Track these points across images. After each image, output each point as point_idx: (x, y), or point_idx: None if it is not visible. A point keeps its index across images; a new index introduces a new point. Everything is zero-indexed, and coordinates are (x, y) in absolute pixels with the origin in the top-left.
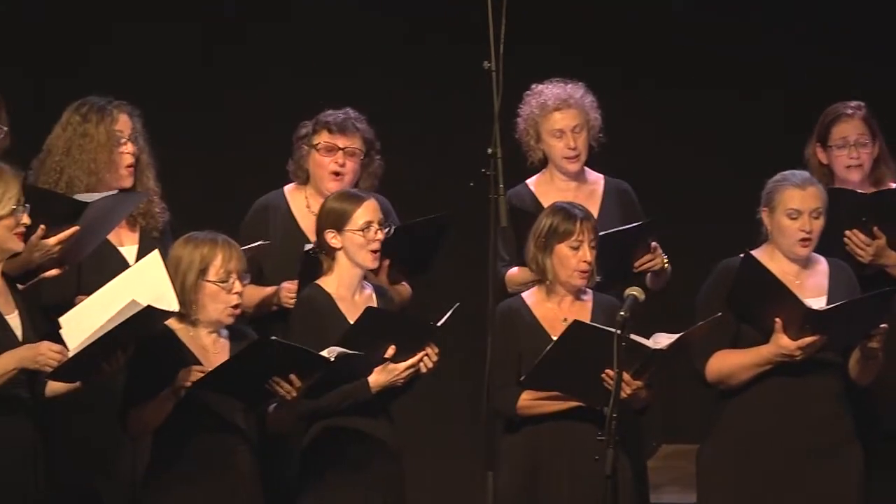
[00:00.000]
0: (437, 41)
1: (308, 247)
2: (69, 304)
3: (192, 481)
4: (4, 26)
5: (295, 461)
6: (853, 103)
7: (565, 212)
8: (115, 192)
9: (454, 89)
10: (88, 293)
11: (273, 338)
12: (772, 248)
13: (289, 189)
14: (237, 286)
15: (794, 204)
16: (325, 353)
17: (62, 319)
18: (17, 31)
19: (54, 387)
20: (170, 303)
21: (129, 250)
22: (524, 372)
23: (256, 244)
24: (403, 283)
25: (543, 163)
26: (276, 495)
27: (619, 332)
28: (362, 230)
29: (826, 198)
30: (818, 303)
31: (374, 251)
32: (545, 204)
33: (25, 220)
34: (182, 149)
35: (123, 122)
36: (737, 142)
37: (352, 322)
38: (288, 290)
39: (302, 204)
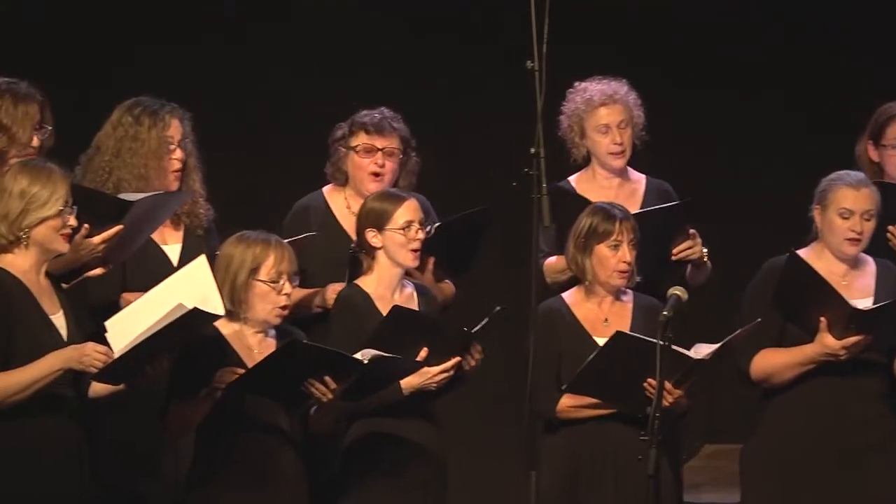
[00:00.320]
0: (479, 40)
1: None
2: (114, 303)
3: (235, 482)
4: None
5: (338, 461)
6: None
7: (605, 212)
8: (160, 192)
9: (495, 89)
10: (133, 291)
11: (303, 340)
12: (821, 246)
13: (327, 190)
14: (287, 287)
15: (847, 203)
16: (358, 355)
17: (108, 323)
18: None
19: (97, 388)
20: (215, 306)
21: (172, 249)
22: (564, 373)
23: (304, 235)
24: (447, 280)
25: (586, 160)
26: (320, 496)
27: (661, 342)
28: (403, 229)
29: (879, 200)
30: (864, 303)
31: (415, 250)
32: (589, 199)
33: (72, 221)
34: (216, 149)
35: (174, 128)
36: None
37: None
38: (334, 292)
39: (342, 205)
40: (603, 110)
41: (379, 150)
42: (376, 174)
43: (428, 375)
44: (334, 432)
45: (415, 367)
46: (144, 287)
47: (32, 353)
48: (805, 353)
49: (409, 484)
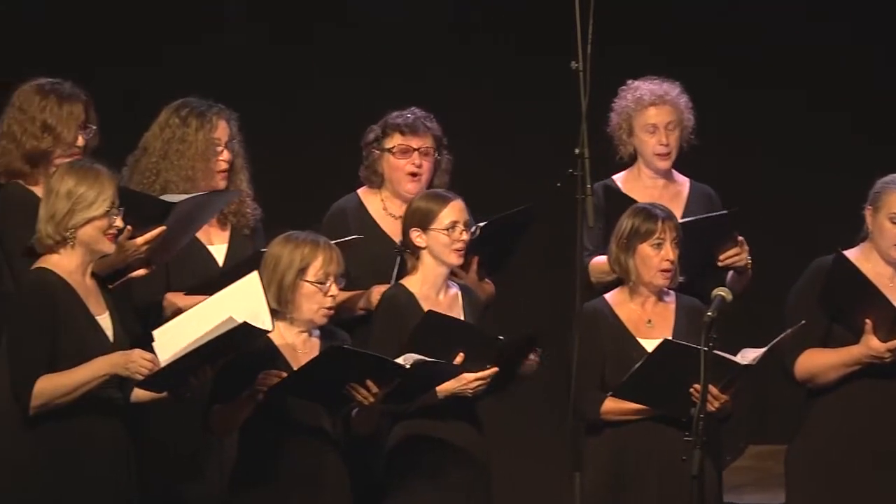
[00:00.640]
0: (524, 40)
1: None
2: (158, 304)
3: (278, 484)
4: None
5: (380, 463)
6: None
7: (646, 212)
8: (203, 193)
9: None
10: (177, 291)
11: (346, 345)
12: (869, 247)
13: (362, 192)
14: (334, 289)
15: None
16: (401, 359)
17: (156, 332)
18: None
19: (139, 394)
20: (264, 322)
21: (218, 249)
22: (608, 375)
23: (350, 238)
24: (487, 280)
25: (632, 158)
26: (362, 498)
27: (705, 343)
28: (447, 229)
29: None
30: None
31: (459, 250)
32: (634, 198)
33: (118, 222)
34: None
35: (222, 130)
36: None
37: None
38: (380, 293)
39: (379, 206)
40: (652, 110)
41: (415, 150)
42: (414, 174)
43: (464, 382)
44: (376, 434)
45: (457, 372)
46: (188, 287)
47: (78, 355)
48: (850, 355)
49: (452, 486)
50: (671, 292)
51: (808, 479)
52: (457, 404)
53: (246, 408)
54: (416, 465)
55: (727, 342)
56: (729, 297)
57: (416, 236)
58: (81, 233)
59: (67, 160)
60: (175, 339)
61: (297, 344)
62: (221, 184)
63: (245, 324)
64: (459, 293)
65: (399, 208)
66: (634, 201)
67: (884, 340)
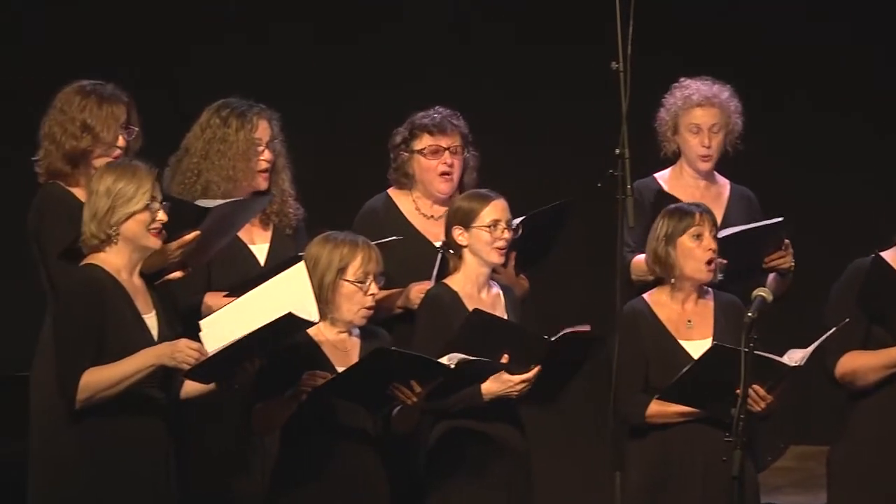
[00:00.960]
0: (565, 41)
1: (438, 244)
2: (199, 303)
3: (318, 483)
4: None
5: (421, 461)
6: None
7: (680, 209)
8: (238, 198)
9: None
10: (218, 291)
11: (393, 347)
12: None
13: (393, 192)
14: (373, 288)
15: None
16: (444, 359)
17: (202, 323)
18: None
19: (189, 389)
20: (311, 313)
21: (260, 249)
22: (651, 377)
23: (390, 238)
24: (522, 276)
25: (676, 156)
26: (401, 496)
27: (748, 349)
28: (489, 227)
29: None
30: None
31: (501, 249)
32: (677, 196)
33: (161, 216)
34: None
35: (262, 129)
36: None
37: None
38: (419, 291)
39: (411, 206)
40: (698, 111)
41: (445, 149)
42: (446, 174)
43: (510, 384)
44: (414, 433)
45: (500, 369)
46: (230, 287)
47: (123, 352)
48: (890, 356)
49: (493, 480)
50: (709, 290)
51: (850, 481)
52: (499, 405)
53: (289, 407)
54: (458, 461)
55: (768, 343)
56: (770, 297)
57: (459, 234)
58: (124, 229)
59: (111, 160)
60: (221, 329)
61: (337, 343)
62: (263, 184)
63: (290, 314)
64: (501, 292)
65: (431, 208)
66: (677, 200)
67: None
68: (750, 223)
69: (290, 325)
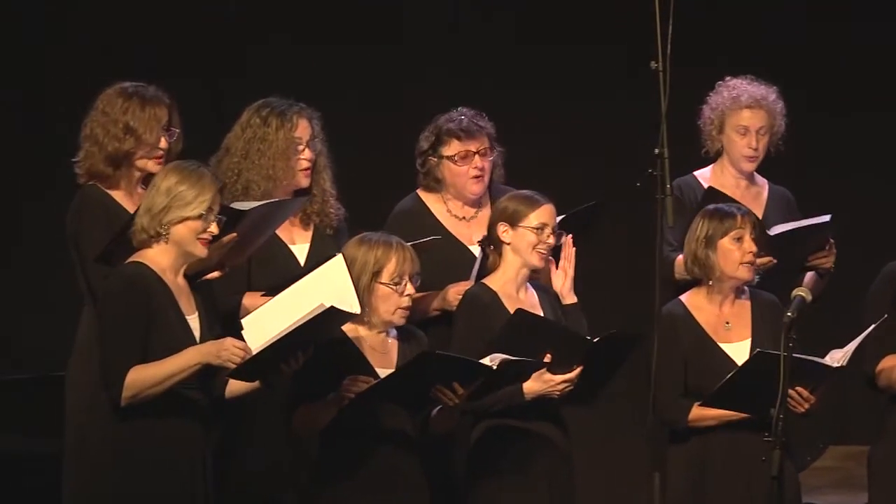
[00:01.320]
0: (604, 40)
1: (476, 245)
2: (238, 303)
3: (358, 486)
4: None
5: (459, 461)
6: None
7: (721, 210)
8: (274, 199)
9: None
10: (257, 291)
11: (437, 351)
12: None
13: (423, 194)
14: (409, 289)
15: None
16: (487, 360)
17: (244, 321)
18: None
19: (234, 388)
20: (351, 305)
21: (300, 249)
22: (690, 381)
23: (428, 238)
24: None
25: (717, 155)
26: (441, 497)
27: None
28: (536, 230)
29: None
30: None
31: (543, 253)
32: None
33: (213, 228)
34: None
35: (302, 128)
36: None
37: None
38: (457, 293)
39: (442, 209)
40: (746, 112)
41: (475, 153)
42: (477, 176)
43: (551, 383)
44: (452, 433)
45: (541, 367)
46: (266, 287)
47: (167, 353)
48: None
49: (535, 483)
50: (745, 290)
51: (891, 481)
52: (542, 405)
53: (331, 411)
54: (500, 461)
55: (805, 343)
56: (809, 297)
57: (503, 231)
58: (175, 231)
59: (153, 161)
60: (263, 327)
61: (376, 345)
62: (304, 182)
63: (332, 308)
64: (538, 293)
65: (462, 209)
66: (728, 197)
67: None
68: (789, 223)
69: (332, 319)
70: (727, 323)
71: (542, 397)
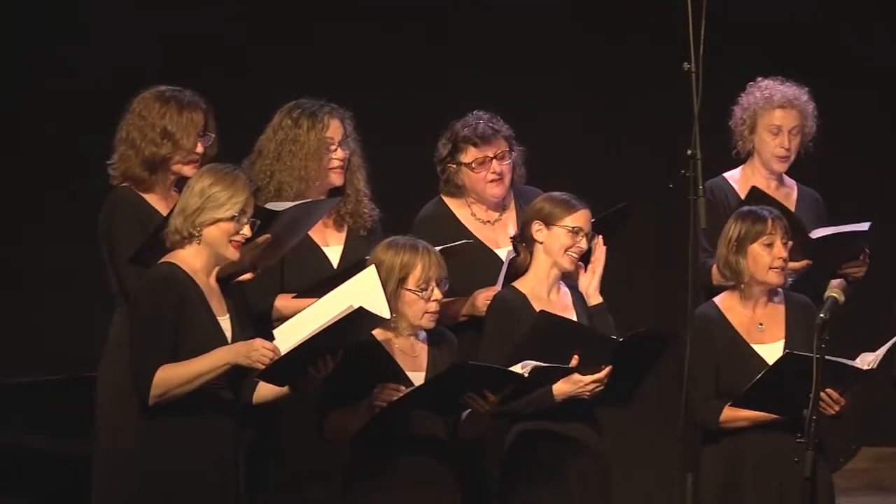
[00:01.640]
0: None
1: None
2: (270, 305)
3: (391, 490)
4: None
5: (490, 465)
6: None
7: (754, 213)
8: (307, 200)
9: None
10: (289, 293)
11: (469, 361)
12: None
13: (447, 200)
14: (436, 293)
15: None
16: (518, 367)
17: (276, 331)
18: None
19: (262, 392)
20: (382, 312)
21: (333, 251)
22: (723, 382)
23: (459, 243)
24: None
25: (748, 155)
26: (473, 499)
27: (818, 355)
28: (571, 232)
29: None
30: None
31: (574, 257)
32: (744, 197)
33: (246, 231)
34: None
35: (334, 129)
36: None
37: None
38: (486, 298)
39: (467, 213)
40: (779, 112)
41: (492, 158)
42: (495, 180)
43: (581, 384)
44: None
45: (572, 373)
46: (298, 289)
47: (196, 353)
48: None
49: (568, 485)
50: (780, 291)
51: None
52: (575, 406)
53: (363, 417)
54: (533, 462)
55: (838, 345)
56: (841, 299)
57: (538, 230)
58: (207, 232)
59: (189, 166)
60: (295, 335)
61: (406, 349)
62: (337, 180)
63: (360, 308)
64: (569, 292)
65: (486, 213)
66: (764, 194)
67: None
68: (818, 225)
69: (361, 321)
70: (760, 325)
71: (572, 398)
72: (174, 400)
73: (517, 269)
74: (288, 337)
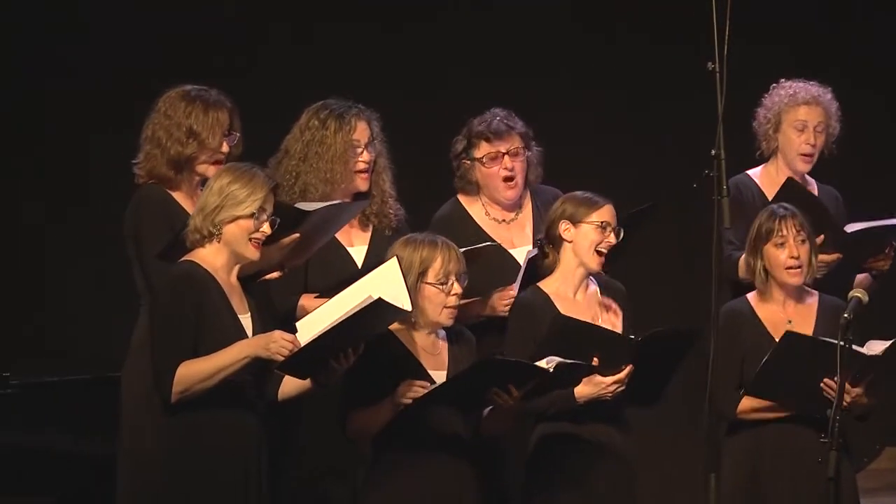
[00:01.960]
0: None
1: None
2: (294, 305)
3: (412, 488)
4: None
5: (510, 466)
6: None
7: (770, 212)
8: (337, 201)
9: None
10: (313, 293)
11: (496, 356)
12: None
13: (463, 199)
14: (456, 288)
15: None
16: (543, 363)
17: (299, 324)
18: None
19: (287, 389)
20: (403, 304)
21: (358, 251)
22: (747, 376)
23: (481, 245)
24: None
25: (771, 155)
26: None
27: (841, 342)
28: (599, 227)
29: None
30: None
31: (602, 252)
32: (769, 195)
33: (266, 229)
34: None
35: (361, 131)
36: None
37: None
38: (501, 298)
39: (481, 212)
40: (804, 108)
41: (504, 154)
42: (508, 178)
43: (602, 385)
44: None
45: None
46: (327, 288)
47: (217, 350)
48: None
49: (592, 487)
50: (814, 292)
51: None
52: (600, 407)
53: (387, 415)
54: (557, 465)
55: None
56: (865, 298)
57: (565, 229)
58: (227, 230)
59: (215, 166)
60: (316, 327)
61: (426, 346)
62: (362, 185)
63: (380, 300)
64: (598, 290)
65: (501, 213)
66: (799, 186)
67: None
68: (863, 222)
69: (380, 312)
70: (789, 321)
71: (595, 400)
72: (196, 397)
73: (543, 271)
74: (310, 329)
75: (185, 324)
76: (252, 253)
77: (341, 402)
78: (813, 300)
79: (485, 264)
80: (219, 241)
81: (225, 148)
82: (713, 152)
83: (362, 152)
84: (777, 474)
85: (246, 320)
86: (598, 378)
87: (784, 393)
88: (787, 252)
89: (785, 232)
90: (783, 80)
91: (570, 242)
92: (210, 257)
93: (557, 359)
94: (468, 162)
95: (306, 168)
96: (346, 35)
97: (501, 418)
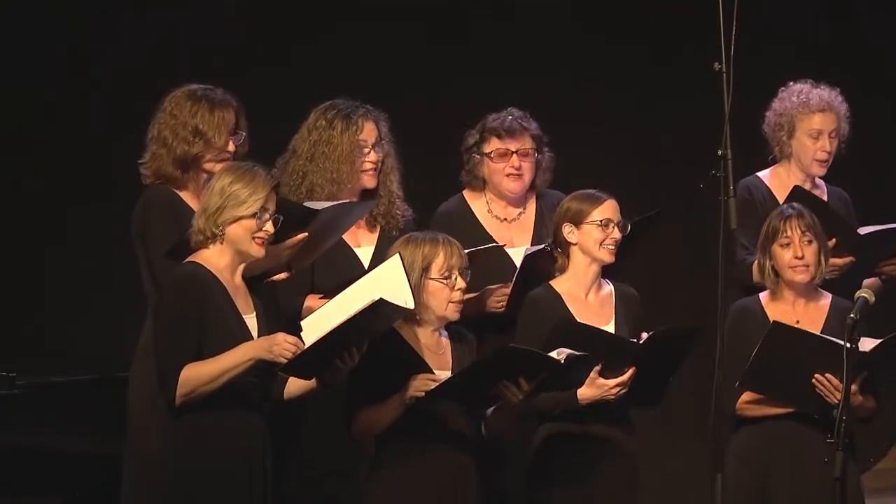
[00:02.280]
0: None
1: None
2: (301, 306)
3: (415, 486)
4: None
5: (509, 463)
6: None
7: (779, 212)
8: (346, 201)
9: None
10: (319, 294)
11: (513, 345)
12: None
13: (467, 195)
14: (459, 282)
15: None
16: (554, 354)
17: (303, 323)
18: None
19: (292, 388)
20: (406, 302)
21: (365, 251)
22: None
23: (488, 246)
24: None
25: (782, 158)
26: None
27: (847, 343)
28: (601, 226)
29: None
30: None
31: (611, 248)
32: (779, 197)
33: (269, 227)
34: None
35: (368, 131)
36: None
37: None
38: (496, 295)
39: (484, 209)
40: (818, 116)
41: (513, 152)
42: (514, 174)
43: (605, 388)
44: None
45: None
46: (333, 289)
47: (221, 351)
48: None
49: (595, 486)
50: (827, 294)
51: None
52: (604, 407)
53: (396, 411)
54: (561, 465)
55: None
56: (872, 299)
57: (569, 232)
58: (230, 230)
59: (219, 165)
60: (321, 328)
61: (431, 345)
62: (369, 182)
63: (382, 300)
64: (613, 290)
65: (504, 210)
66: (807, 193)
67: None
68: (851, 224)
69: (383, 311)
70: (797, 321)
71: (597, 402)
72: (200, 398)
73: (555, 273)
74: (315, 330)
75: (189, 325)
76: (256, 251)
77: (346, 402)
78: (825, 302)
79: (482, 263)
80: (222, 242)
81: (231, 147)
82: (720, 152)
83: (369, 153)
84: (782, 474)
85: (251, 320)
86: (601, 381)
87: (778, 388)
88: (792, 252)
89: (790, 232)
90: (791, 82)
91: (575, 244)
92: (214, 258)
93: (567, 350)
94: (477, 156)
95: (313, 168)
96: (353, 35)
97: (505, 418)
